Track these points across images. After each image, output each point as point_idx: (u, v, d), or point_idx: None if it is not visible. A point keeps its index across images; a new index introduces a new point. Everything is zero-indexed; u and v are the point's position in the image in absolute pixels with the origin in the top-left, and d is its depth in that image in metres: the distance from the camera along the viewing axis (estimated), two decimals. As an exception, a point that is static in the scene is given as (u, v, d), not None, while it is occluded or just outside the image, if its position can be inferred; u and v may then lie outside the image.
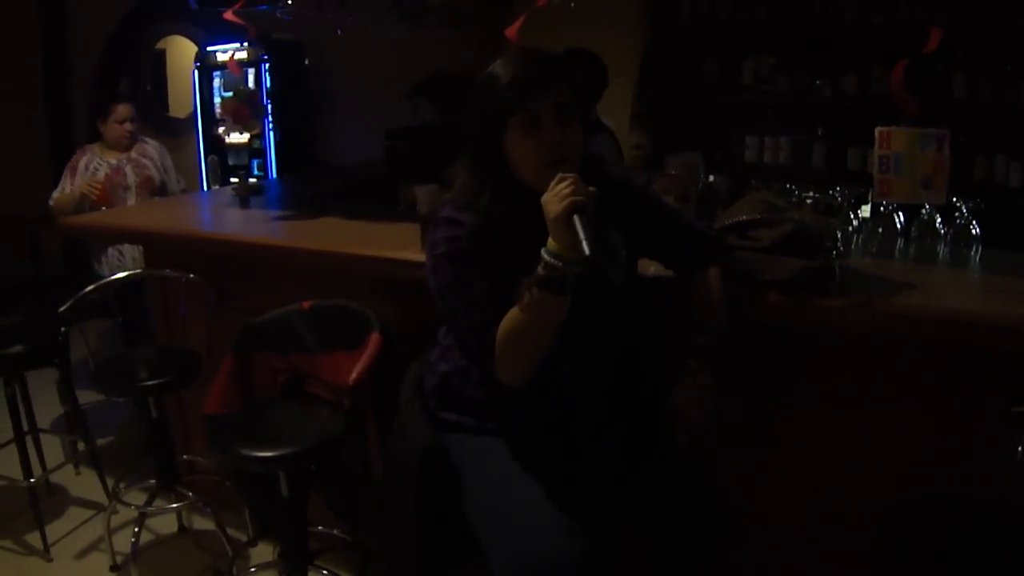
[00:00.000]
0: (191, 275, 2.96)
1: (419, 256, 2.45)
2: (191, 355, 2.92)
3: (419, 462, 1.86)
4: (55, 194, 4.22)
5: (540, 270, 1.64)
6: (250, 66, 5.23)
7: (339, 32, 4.25)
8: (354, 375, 2.24)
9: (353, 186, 4.26)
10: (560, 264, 1.62)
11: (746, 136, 5.12)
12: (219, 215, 3.35)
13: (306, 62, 5.83)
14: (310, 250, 2.68)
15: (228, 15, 2.95)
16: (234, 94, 3.16)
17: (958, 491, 2.01)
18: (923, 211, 2.56)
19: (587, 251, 1.56)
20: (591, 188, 1.63)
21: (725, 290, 2.02)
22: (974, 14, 4.27)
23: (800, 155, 5.03)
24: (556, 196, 1.62)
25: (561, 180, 1.63)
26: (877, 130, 2.33)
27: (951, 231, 2.53)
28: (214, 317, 2.96)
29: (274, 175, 5.55)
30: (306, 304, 2.61)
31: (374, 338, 2.38)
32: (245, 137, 5.23)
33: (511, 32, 2.46)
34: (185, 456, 3.22)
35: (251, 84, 5.14)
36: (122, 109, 4.27)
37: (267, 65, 5.31)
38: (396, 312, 2.54)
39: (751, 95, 5.08)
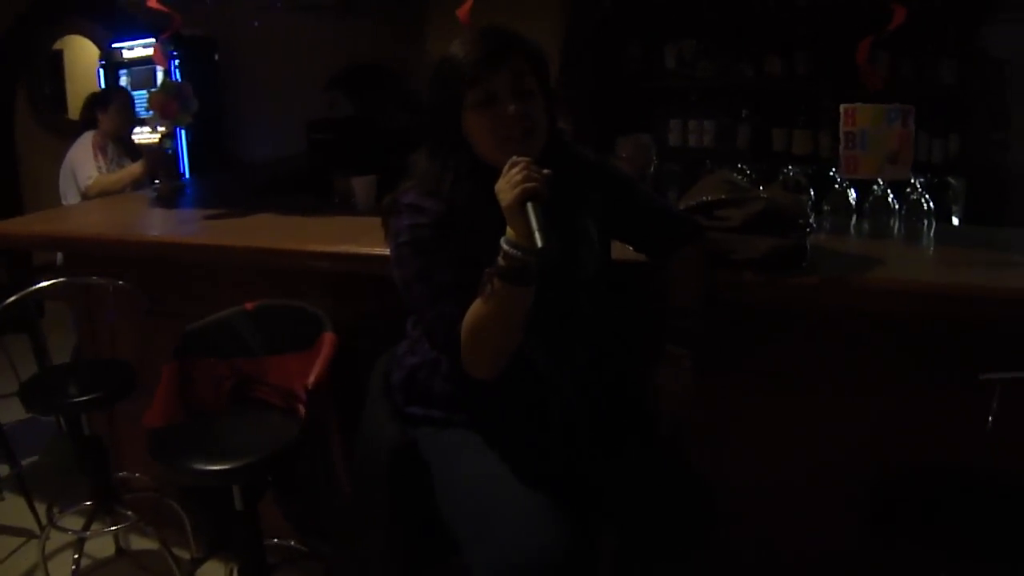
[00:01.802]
0: (119, 282, 2.78)
1: (366, 248, 2.39)
2: (123, 367, 2.74)
3: (389, 461, 1.78)
4: (92, 175, 4.07)
5: (500, 260, 1.56)
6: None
7: (256, 24, 4.08)
8: (311, 379, 2.12)
9: (278, 181, 4.10)
10: (519, 254, 1.54)
11: (670, 120, 5.12)
12: (144, 217, 3.16)
13: (216, 57, 5.62)
14: (252, 248, 2.54)
15: (152, 3, 2.78)
16: (161, 87, 2.98)
17: (935, 461, 1.99)
18: (875, 187, 2.56)
19: (539, 243, 1.48)
20: (545, 171, 1.55)
21: (704, 271, 1.99)
22: (894, -5, 4.33)
23: (724, 137, 5.07)
24: (508, 183, 1.55)
25: (513, 165, 1.56)
26: (842, 107, 2.31)
27: (905, 206, 2.53)
28: (146, 325, 2.79)
29: (186, 174, 5.34)
30: (249, 305, 2.47)
31: (328, 338, 2.27)
32: (156, 136, 5.01)
33: (462, 13, 2.37)
34: (121, 474, 3.03)
35: (159, 82, 4.92)
36: (125, 96, 4.30)
37: (176, 61, 5.11)
38: (345, 308, 2.43)
39: (674, 79, 5.08)
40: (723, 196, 2.15)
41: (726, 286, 2.06)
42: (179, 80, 5.16)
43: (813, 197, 2.51)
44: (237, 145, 5.72)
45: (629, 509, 1.79)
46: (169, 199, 3.30)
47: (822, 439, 2.24)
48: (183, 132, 5.10)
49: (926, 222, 2.53)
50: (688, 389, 1.87)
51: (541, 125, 1.72)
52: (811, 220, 2.12)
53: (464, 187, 1.72)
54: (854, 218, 2.57)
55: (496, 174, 1.61)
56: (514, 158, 1.57)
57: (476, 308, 1.62)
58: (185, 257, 2.69)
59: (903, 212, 2.53)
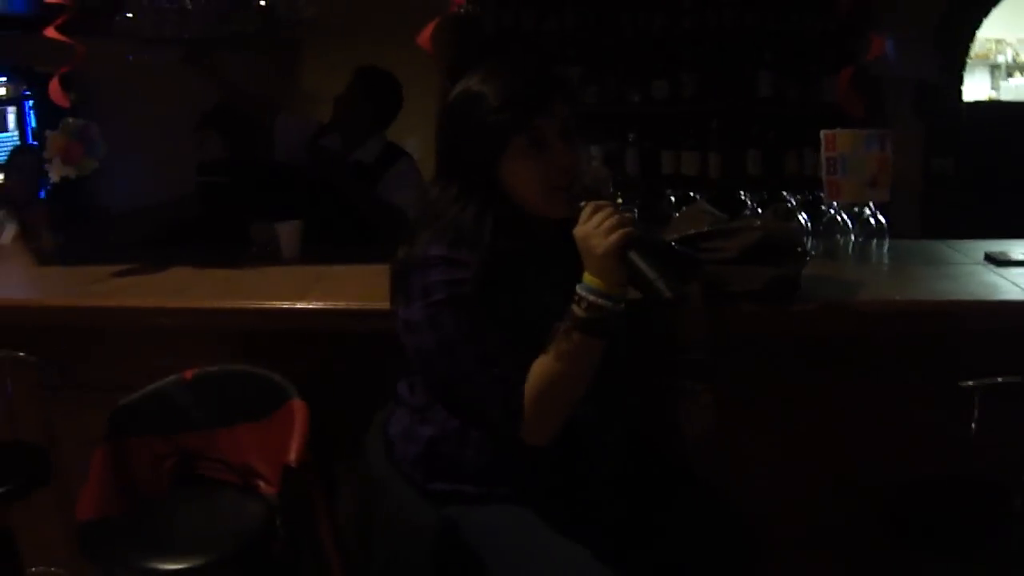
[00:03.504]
0: (20, 353, 2.44)
1: (320, 303, 2.20)
2: (33, 451, 2.40)
3: (433, 551, 1.57)
4: None
5: (581, 311, 1.44)
6: (9, 104, 4.57)
7: (130, 59, 3.75)
8: (292, 456, 1.90)
9: (174, 231, 3.78)
10: (608, 303, 1.43)
11: (576, 155, 5.07)
12: (37, 278, 2.81)
13: (71, 96, 5.18)
14: (187, 309, 2.28)
15: (50, 32, 2.48)
16: (62, 129, 2.65)
17: (927, 469, 2.08)
18: (829, 209, 2.57)
19: (666, 292, 1.37)
20: (628, 214, 1.45)
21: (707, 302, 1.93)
22: (778, 17, 4.46)
23: (612, 163, 5.06)
24: (601, 230, 1.43)
25: (597, 209, 1.46)
26: (823, 133, 2.33)
27: (859, 226, 2.55)
28: (54, 401, 2.46)
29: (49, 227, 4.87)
30: (188, 373, 2.22)
31: (298, 407, 2.05)
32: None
33: (422, 40, 2.21)
34: (33, 569, 2.66)
35: (11, 125, 4.50)
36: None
37: (31, 102, 4.67)
38: (293, 369, 2.21)
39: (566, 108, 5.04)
40: (707, 228, 2.11)
41: (725, 318, 2.01)
42: (31, 124, 4.77)
43: (809, 225, 2.49)
44: (100, 192, 5.28)
45: (678, 554, 1.69)
46: (55, 255, 2.96)
47: (819, 460, 2.25)
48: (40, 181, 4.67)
49: (876, 240, 2.58)
50: (711, 423, 1.79)
51: (582, 172, 1.61)
52: (807, 248, 2.10)
53: (502, 235, 1.56)
54: (809, 239, 2.58)
55: (535, 220, 1.48)
56: (595, 202, 1.46)
57: (545, 367, 1.48)
58: (104, 322, 2.39)
59: (857, 231, 2.57)
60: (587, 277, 1.46)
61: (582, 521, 1.62)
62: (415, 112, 3.46)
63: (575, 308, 1.45)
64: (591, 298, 1.44)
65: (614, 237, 1.42)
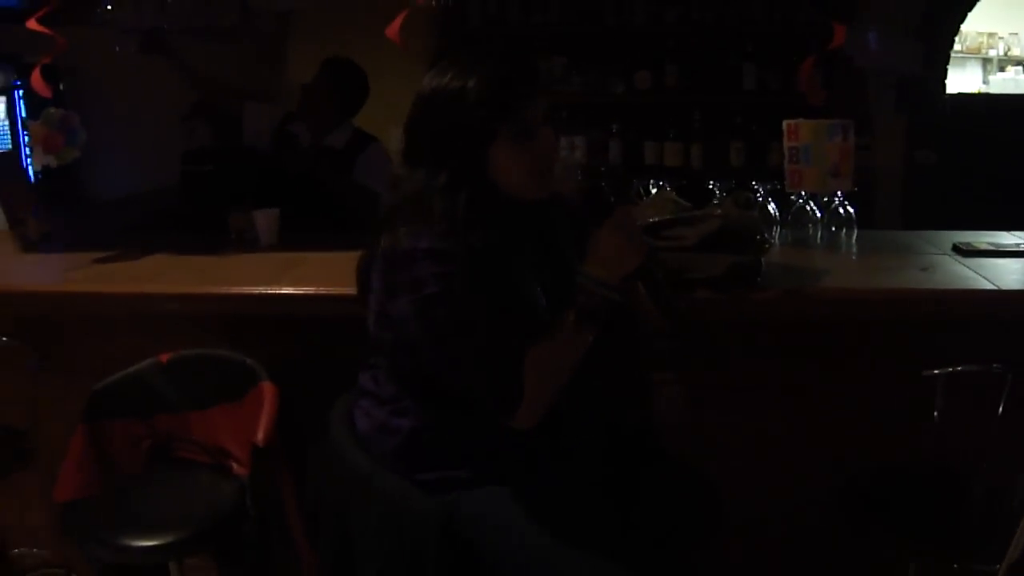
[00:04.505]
0: (3, 338, 2.48)
1: (292, 289, 2.23)
2: (14, 434, 2.44)
3: (437, 535, 1.57)
4: None
5: (589, 302, 1.52)
6: (1, 94, 4.59)
7: (117, 49, 3.79)
8: (260, 435, 1.95)
9: (159, 219, 3.81)
10: (615, 296, 1.52)
11: (556, 140, 5.09)
12: (18, 264, 2.85)
13: (60, 87, 5.20)
14: (164, 295, 2.32)
15: (31, 24, 2.51)
16: (43, 118, 2.69)
17: (890, 456, 2.13)
18: (797, 199, 2.61)
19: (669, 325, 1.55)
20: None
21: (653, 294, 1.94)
22: (762, 10, 4.48)
23: (596, 152, 5.09)
24: (636, 247, 1.56)
25: (627, 216, 1.57)
26: (785, 123, 2.36)
27: (827, 215, 2.58)
28: (34, 385, 2.50)
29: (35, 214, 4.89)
30: (164, 357, 2.26)
31: (267, 389, 2.10)
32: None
33: (391, 32, 2.24)
34: (16, 551, 2.71)
35: (2, 114, 4.51)
36: None
37: (20, 92, 4.69)
38: (263, 353, 2.25)
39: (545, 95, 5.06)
40: (670, 216, 2.15)
41: (685, 305, 2.02)
42: (20, 115, 4.78)
43: (777, 214, 2.53)
44: (89, 181, 5.31)
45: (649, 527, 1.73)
46: (40, 242, 3.00)
47: (783, 447, 2.29)
48: (30, 169, 4.69)
49: (845, 230, 2.61)
50: (683, 410, 1.84)
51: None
52: (768, 236, 2.13)
53: (493, 227, 1.59)
54: (776, 228, 2.61)
55: (520, 207, 1.57)
56: (623, 206, 1.57)
57: (548, 354, 1.53)
58: (84, 308, 2.43)
59: (824, 221, 2.60)
60: (595, 270, 1.52)
61: (569, 500, 1.65)
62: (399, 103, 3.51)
63: (583, 299, 1.51)
64: (598, 289, 1.50)
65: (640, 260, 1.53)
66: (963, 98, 5.60)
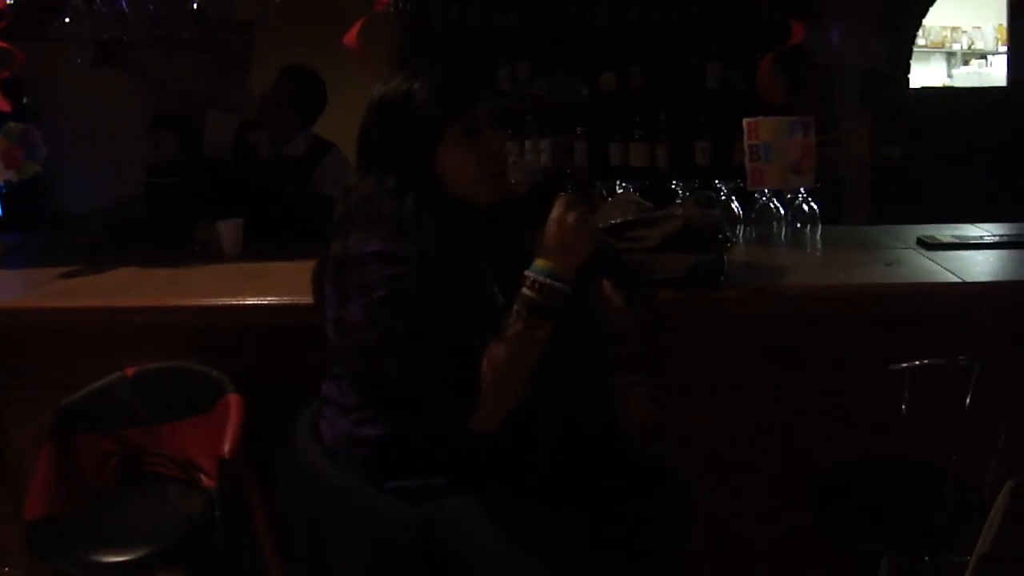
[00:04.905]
0: (-35, 356, 2.46)
1: (254, 299, 2.22)
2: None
3: (419, 543, 1.56)
4: None
5: (534, 294, 1.50)
6: (-41, 107, 4.55)
7: (79, 61, 3.75)
8: (226, 447, 1.94)
9: (126, 230, 3.77)
10: (561, 285, 1.51)
11: (505, 141, 5.08)
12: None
13: (24, 101, 5.14)
14: (129, 308, 2.30)
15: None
16: (3, 133, 2.67)
17: (859, 451, 2.12)
18: (760, 196, 2.62)
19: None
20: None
21: (623, 296, 1.94)
22: (724, 9, 4.51)
23: (561, 155, 5.08)
24: (585, 236, 1.55)
25: (572, 204, 1.56)
26: (745, 121, 2.37)
27: (791, 213, 2.60)
28: (3, 403, 2.48)
29: (-1, 231, 4.84)
30: (130, 371, 2.25)
31: (233, 401, 2.09)
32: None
33: (349, 39, 2.24)
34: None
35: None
36: None
37: (-18, 106, 4.64)
38: (229, 365, 2.24)
39: (508, 99, 5.04)
40: (632, 217, 2.15)
41: (649, 305, 2.04)
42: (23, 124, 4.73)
43: (741, 212, 2.54)
44: (53, 195, 5.26)
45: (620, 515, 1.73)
46: (4, 258, 2.97)
47: (753, 446, 2.29)
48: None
49: (809, 226, 2.63)
50: (649, 412, 1.84)
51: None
52: (729, 234, 2.14)
53: (443, 228, 1.58)
54: (741, 227, 2.63)
55: (471, 208, 1.58)
56: (568, 195, 1.56)
57: (500, 351, 1.52)
58: (50, 323, 2.40)
59: (789, 218, 2.62)
60: (540, 262, 1.51)
61: (539, 505, 1.65)
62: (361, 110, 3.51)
63: (528, 292, 1.50)
64: (546, 281, 1.50)
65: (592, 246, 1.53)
66: (927, 92, 5.65)
